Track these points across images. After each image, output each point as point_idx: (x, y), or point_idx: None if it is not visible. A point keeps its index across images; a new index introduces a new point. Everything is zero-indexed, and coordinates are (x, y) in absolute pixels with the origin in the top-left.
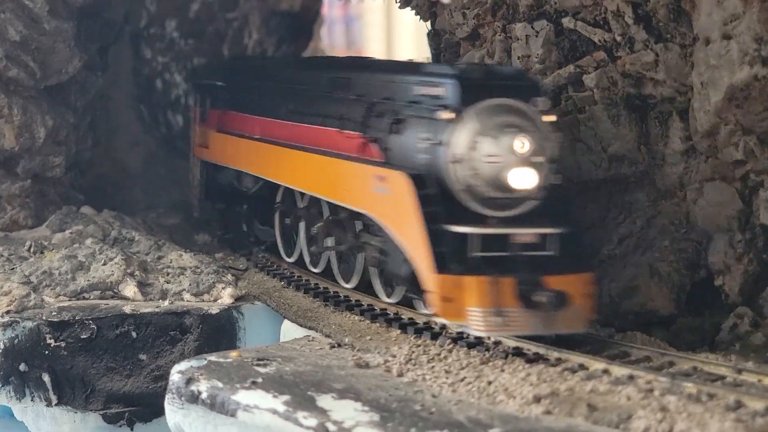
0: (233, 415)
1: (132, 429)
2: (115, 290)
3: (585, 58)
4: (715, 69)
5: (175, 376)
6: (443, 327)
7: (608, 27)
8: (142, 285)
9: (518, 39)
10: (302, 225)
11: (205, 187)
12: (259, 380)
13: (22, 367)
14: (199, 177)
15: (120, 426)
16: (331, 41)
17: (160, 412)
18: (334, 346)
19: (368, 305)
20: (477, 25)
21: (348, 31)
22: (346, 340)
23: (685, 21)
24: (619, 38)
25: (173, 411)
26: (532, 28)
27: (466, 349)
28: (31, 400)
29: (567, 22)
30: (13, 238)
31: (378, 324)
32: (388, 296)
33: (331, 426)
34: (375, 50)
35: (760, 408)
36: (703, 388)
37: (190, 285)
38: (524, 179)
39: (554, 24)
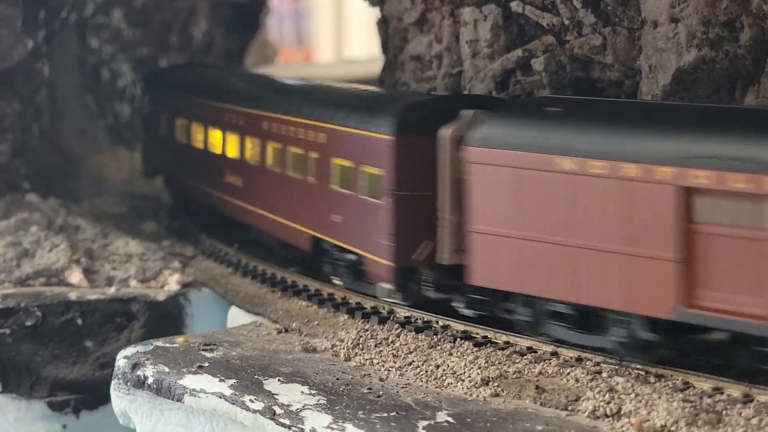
0: (180, 399)
1: (78, 416)
2: (61, 277)
3: (533, 42)
4: (663, 52)
5: (120, 361)
6: (391, 311)
7: (556, 11)
8: (88, 272)
9: (466, 23)
10: None
11: None
12: (206, 365)
13: None
14: None
15: (66, 413)
16: (281, 37)
17: (106, 399)
18: (281, 332)
19: (315, 290)
20: (425, 9)
21: (298, 27)
22: (294, 325)
23: (633, 4)
24: (567, 22)
25: (119, 397)
26: (481, 12)
27: (414, 333)
28: None
29: (515, 6)
30: None
31: (326, 309)
32: None
33: (278, 409)
34: (324, 45)
35: (707, 388)
36: (651, 369)
37: (136, 271)
38: None
39: (502, 8)
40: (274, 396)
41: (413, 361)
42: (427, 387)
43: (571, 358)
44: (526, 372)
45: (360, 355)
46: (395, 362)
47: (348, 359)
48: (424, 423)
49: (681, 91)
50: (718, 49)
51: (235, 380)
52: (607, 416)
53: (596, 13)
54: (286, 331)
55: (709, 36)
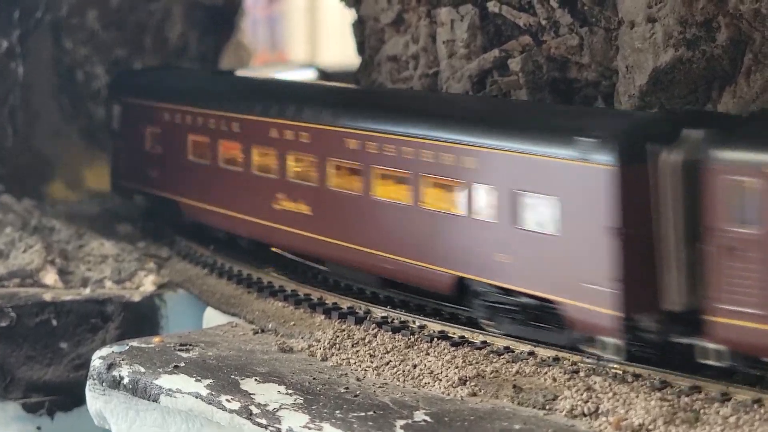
0: (156, 399)
1: (52, 418)
2: (35, 278)
3: (510, 42)
4: (639, 52)
5: (96, 361)
6: (367, 311)
7: (533, 11)
8: (62, 273)
9: (443, 24)
10: None
11: None
12: (182, 365)
13: None
14: None
15: (40, 415)
16: (255, 41)
17: (81, 401)
18: (257, 332)
19: (292, 291)
20: (402, 10)
21: (272, 32)
22: (270, 325)
23: (609, 4)
24: (544, 22)
25: (94, 397)
26: (457, 12)
27: (390, 333)
28: None
29: (492, 6)
30: None
31: (302, 309)
32: None
33: (254, 409)
34: (298, 50)
35: (685, 387)
36: (628, 368)
37: (111, 272)
38: None
39: (479, 8)
40: (251, 396)
41: (390, 361)
42: (404, 386)
43: (549, 357)
44: (503, 371)
45: (337, 355)
46: (372, 362)
47: (325, 359)
48: (402, 422)
49: (658, 91)
50: (694, 49)
51: (211, 380)
52: (585, 415)
53: (573, 14)
54: (263, 331)
55: (686, 36)
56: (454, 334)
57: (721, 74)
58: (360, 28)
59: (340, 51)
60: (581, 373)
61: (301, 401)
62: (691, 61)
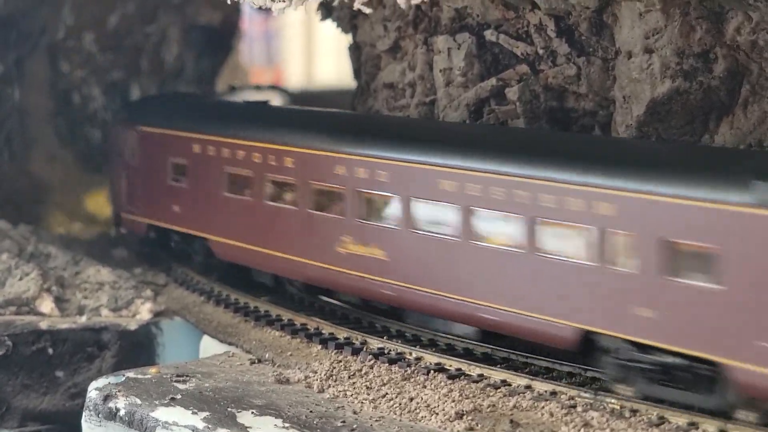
0: None
1: None
2: (32, 306)
3: (507, 71)
4: (637, 83)
5: (92, 392)
6: (364, 342)
7: (531, 40)
8: (59, 300)
9: (440, 52)
10: None
11: None
12: (179, 396)
13: None
14: None
15: None
16: (251, 57)
17: (77, 430)
18: (254, 362)
19: (288, 320)
20: (398, 37)
21: (268, 48)
22: (267, 355)
23: (607, 35)
24: (541, 51)
25: (91, 428)
26: (454, 40)
27: (387, 365)
28: None
29: (489, 35)
30: None
31: (299, 339)
32: None
33: None
34: (295, 65)
35: (682, 423)
36: (626, 403)
37: (108, 300)
38: None
39: (476, 37)
40: (248, 429)
41: (387, 394)
42: (401, 420)
43: (546, 391)
44: (500, 406)
45: (333, 386)
46: (369, 394)
47: (321, 391)
48: None
49: (655, 122)
50: (692, 80)
51: (208, 413)
52: None
53: (570, 43)
54: (259, 361)
55: (683, 67)
56: (451, 366)
57: (718, 105)
58: (356, 53)
59: (337, 66)
60: (578, 408)
61: None
62: (689, 92)
